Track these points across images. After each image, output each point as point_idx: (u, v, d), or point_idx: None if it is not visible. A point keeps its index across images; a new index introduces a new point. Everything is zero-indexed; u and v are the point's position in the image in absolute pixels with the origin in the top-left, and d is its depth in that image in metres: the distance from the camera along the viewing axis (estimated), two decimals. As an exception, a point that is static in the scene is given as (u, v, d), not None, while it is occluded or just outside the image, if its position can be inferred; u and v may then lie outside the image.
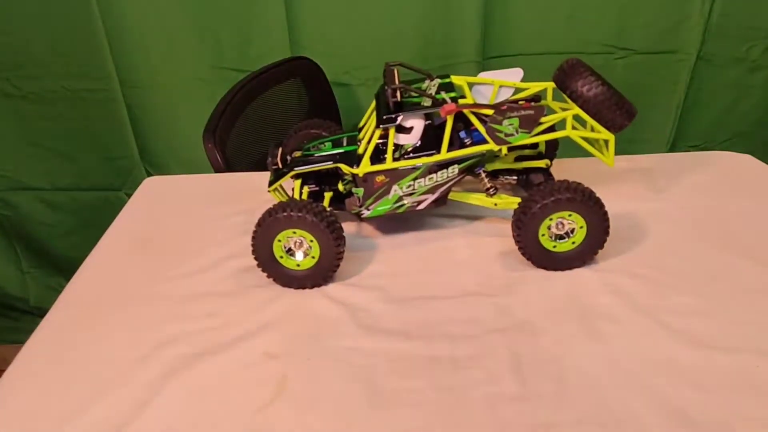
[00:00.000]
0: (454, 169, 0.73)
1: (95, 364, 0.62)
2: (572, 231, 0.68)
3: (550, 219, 0.67)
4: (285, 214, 0.67)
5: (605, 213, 0.67)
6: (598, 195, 0.67)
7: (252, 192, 0.88)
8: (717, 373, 0.56)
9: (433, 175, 0.73)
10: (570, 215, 0.67)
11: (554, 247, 0.69)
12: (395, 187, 0.73)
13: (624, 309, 0.64)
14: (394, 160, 0.72)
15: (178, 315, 0.68)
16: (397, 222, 0.80)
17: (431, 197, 0.74)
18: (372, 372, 0.58)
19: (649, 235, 0.75)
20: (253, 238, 0.69)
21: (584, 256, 0.70)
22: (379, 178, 0.73)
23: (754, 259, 0.70)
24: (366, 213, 0.75)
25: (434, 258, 0.74)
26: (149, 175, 1.48)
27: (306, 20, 1.32)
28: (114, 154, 1.48)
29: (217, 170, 1.06)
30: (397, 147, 0.73)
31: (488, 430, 0.52)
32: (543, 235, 0.68)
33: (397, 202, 0.74)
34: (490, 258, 0.73)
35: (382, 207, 0.75)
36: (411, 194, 0.74)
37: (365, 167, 0.72)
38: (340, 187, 0.77)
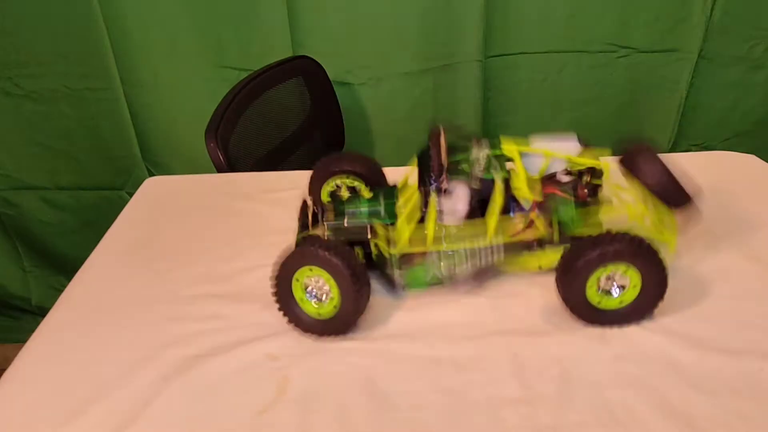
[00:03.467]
0: (500, 242, 0.66)
1: (96, 364, 0.62)
2: (622, 287, 0.61)
3: (604, 269, 0.60)
4: (305, 250, 0.61)
5: (665, 276, 0.60)
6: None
7: (255, 192, 0.88)
8: (720, 375, 0.55)
9: (476, 251, 0.67)
10: (626, 270, 0.59)
11: (599, 303, 0.61)
12: (434, 264, 0.67)
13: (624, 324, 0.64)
14: (436, 237, 0.66)
15: (180, 316, 0.67)
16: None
17: (472, 271, 0.67)
18: (373, 374, 0.58)
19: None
20: (274, 278, 0.63)
21: (630, 317, 0.62)
22: (417, 247, 0.66)
23: (757, 260, 0.70)
24: (399, 281, 0.68)
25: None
26: (151, 174, 1.48)
27: (308, 19, 1.32)
28: (116, 154, 1.48)
29: (220, 170, 1.06)
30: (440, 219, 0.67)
31: (490, 432, 0.52)
32: (591, 287, 0.61)
33: (435, 275, 0.68)
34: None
35: (418, 279, 0.68)
36: (450, 268, 0.67)
37: (403, 245, 0.66)
38: (374, 251, 0.69)
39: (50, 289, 1.66)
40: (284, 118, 1.29)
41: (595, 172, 0.67)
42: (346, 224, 0.69)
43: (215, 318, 0.67)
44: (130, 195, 0.94)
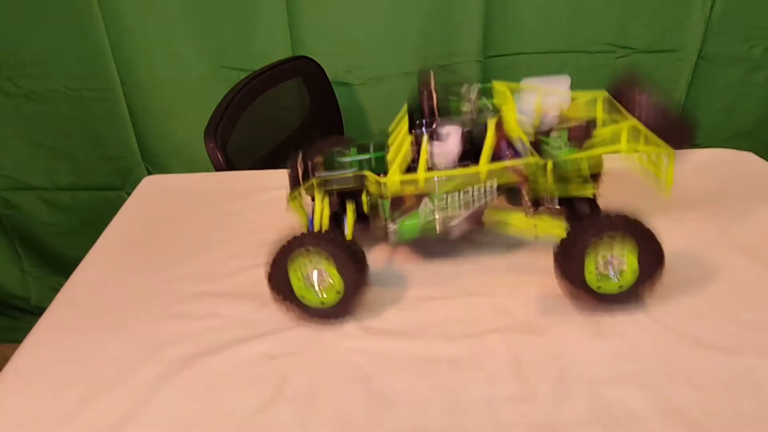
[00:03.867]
0: (493, 184, 0.66)
1: (93, 363, 0.62)
2: (621, 272, 0.61)
3: (601, 255, 0.60)
4: (300, 248, 0.61)
5: (662, 256, 0.61)
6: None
7: (253, 190, 0.88)
8: (717, 373, 0.55)
9: (469, 190, 0.66)
10: (623, 253, 0.60)
11: (599, 288, 0.62)
12: (426, 200, 0.66)
13: (623, 308, 0.64)
14: (428, 180, 0.66)
15: (177, 315, 0.67)
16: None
17: (465, 214, 0.67)
18: (371, 372, 0.58)
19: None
20: (269, 279, 0.63)
21: (629, 298, 0.63)
22: (408, 190, 0.66)
23: (755, 258, 0.70)
24: (392, 227, 0.68)
25: (434, 258, 0.74)
26: (150, 174, 1.48)
27: (307, 19, 1.32)
28: (115, 154, 1.48)
29: (219, 170, 1.06)
30: (431, 162, 0.66)
31: (487, 430, 0.52)
32: (590, 272, 0.61)
33: (427, 217, 0.67)
34: (491, 257, 0.73)
35: (410, 222, 0.68)
36: (443, 210, 0.67)
37: (394, 176, 0.65)
38: (364, 200, 0.70)
39: (49, 289, 1.66)
40: (284, 118, 1.29)
41: (590, 122, 0.67)
42: (335, 175, 0.69)
43: (213, 316, 0.67)
44: (129, 195, 0.94)
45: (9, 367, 0.62)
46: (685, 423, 0.51)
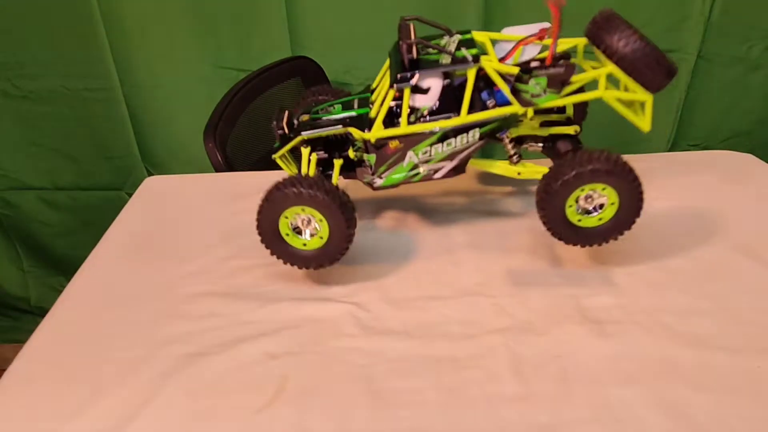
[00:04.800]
0: (475, 134, 0.67)
1: (96, 363, 0.62)
2: (601, 206, 0.63)
3: (582, 190, 0.62)
4: (295, 190, 0.63)
5: (641, 192, 0.62)
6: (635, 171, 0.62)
7: (253, 192, 0.88)
8: (718, 373, 0.56)
9: (452, 140, 0.67)
10: (604, 189, 0.62)
11: (579, 221, 0.64)
12: (410, 153, 0.68)
13: (624, 308, 0.64)
14: (410, 123, 0.67)
15: (179, 315, 0.68)
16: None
17: (449, 164, 0.69)
18: (372, 372, 0.58)
19: (650, 235, 0.75)
20: (259, 212, 0.66)
21: (609, 233, 0.65)
22: (393, 144, 0.67)
23: (755, 258, 0.70)
24: (378, 182, 0.70)
25: (434, 258, 0.74)
26: (150, 174, 1.48)
27: (306, 19, 1.32)
28: (115, 154, 1.48)
29: (218, 170, 1.06)
30: (413, 110, 0.67)
31: (488, 430, 0.52)
32: (570, 206, 0.63)
33: (412, 169, 0.69)
34: (491, 258, 0.73)
35: (396, 175, 0.70)
36: (427, 161, 0.69)
37: (377, 131, 0.67)
38: (351, 154, 0.72)
39: (49, 290, 1.66)
40: (283, 118, 1.29)
41: (568, 60, 0.69)
42: (323, 119, 0.71)
43: (214, 316, 0.67)
44: (129, 195, 0.94)
45: (12, 367, 0.62)
46: (685, 423, 0.51)
